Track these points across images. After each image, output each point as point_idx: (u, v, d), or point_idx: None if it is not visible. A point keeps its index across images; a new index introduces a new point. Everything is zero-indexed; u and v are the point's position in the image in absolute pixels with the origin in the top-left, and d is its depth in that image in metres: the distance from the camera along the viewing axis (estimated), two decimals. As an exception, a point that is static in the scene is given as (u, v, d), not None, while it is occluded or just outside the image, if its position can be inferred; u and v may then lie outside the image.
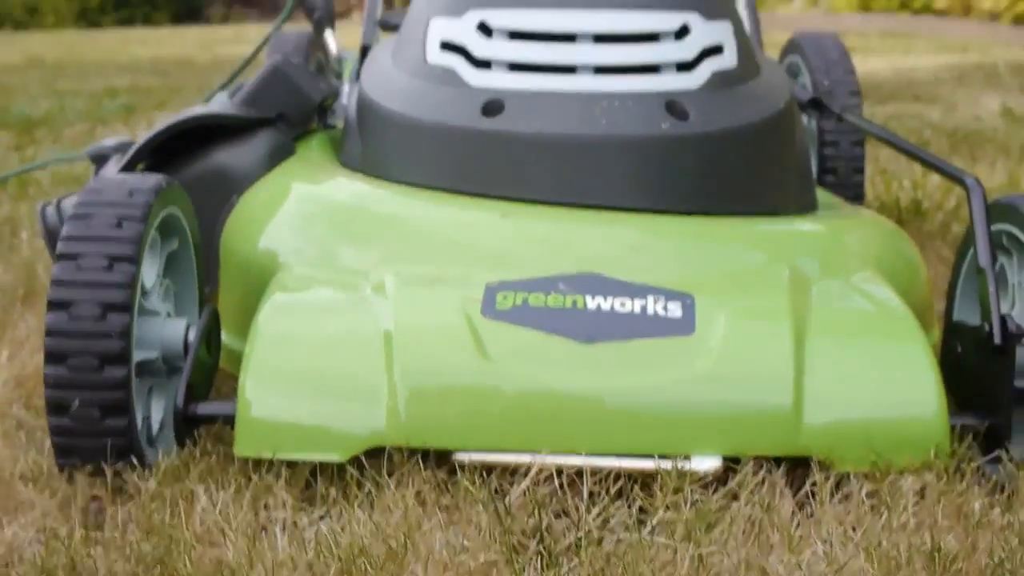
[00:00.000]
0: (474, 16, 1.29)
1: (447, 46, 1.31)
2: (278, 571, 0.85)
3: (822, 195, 1.54)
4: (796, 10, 13.79)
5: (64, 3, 13.34)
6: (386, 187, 1.28)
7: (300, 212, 1.30)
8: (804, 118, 1.86)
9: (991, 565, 0.89)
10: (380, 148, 1.32)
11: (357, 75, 1.71)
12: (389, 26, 1.85)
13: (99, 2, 13.44)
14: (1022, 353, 1.07)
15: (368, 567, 0.85)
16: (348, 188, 1.31)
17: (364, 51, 1.78)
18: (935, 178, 2.39)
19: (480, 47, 1.28)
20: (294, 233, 1.27)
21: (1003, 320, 1.08)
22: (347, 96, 1.66)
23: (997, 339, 1.07)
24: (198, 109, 1.43)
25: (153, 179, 1.14)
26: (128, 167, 1.36)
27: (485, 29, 1.29)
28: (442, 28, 1.31)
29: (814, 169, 1.81)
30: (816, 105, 1.75)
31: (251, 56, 2.62)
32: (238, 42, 9.97)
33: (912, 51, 6.92)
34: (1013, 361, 1.07)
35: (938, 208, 2.18)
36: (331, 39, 1.90)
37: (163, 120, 1.40)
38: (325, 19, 1.85)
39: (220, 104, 1.45)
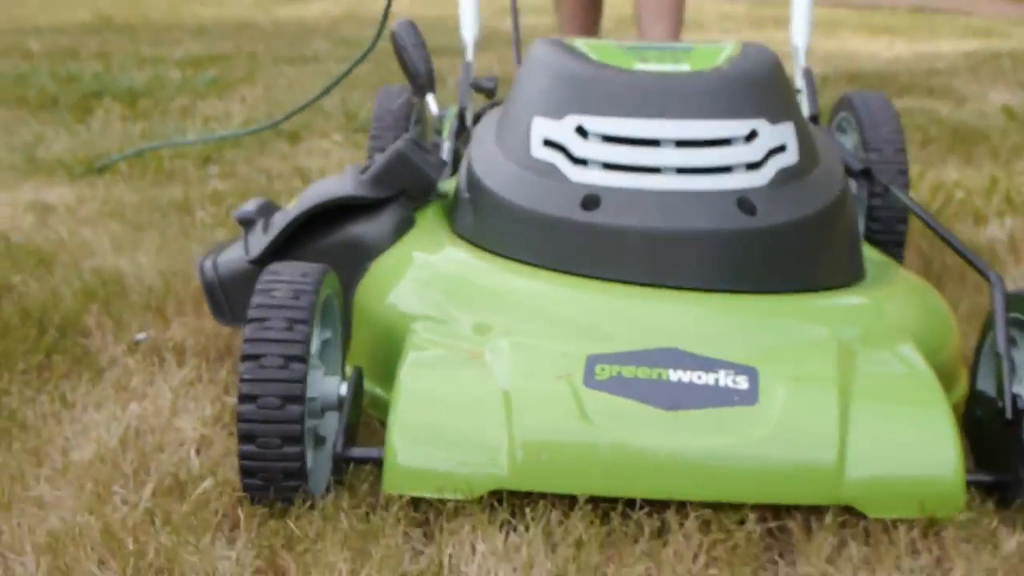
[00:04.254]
0: (572, 120, 1.52)
1: (549, 143, 1.53)
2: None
3: (869, 251, 1.75)
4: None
5: (121, -43, 13.75)
6: (495, 261, 1.52)
7: (422, 278, 1.54)
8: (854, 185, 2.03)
9: None
10: (490, 226, 1.56)
11: (456, 134, 1.97)
12: (481, 88, 2.12)
13: (155, -44, 13.87)
14: None
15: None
16: (463, 260, 1.55)
17: (462, 113, 2.03)
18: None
19: (578, 147, 1.51)
20: (417, 298, 1.51)
21: (1014, 398, 1.33)
22: (447, 152, 1.91)
23: (1008, 414, 1.33)
24: (334, 188, 1.64)
25: (318, 266, 1.39)
26: (278, 239, 1.61)
27: (582, 131, 1.51)
28: (544, 127, 1.53)
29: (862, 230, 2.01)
30: (866, 175, 1.96)
31: (331, 86, 2.62)
32: (291, 1, 10.36)
33: (937, 34, 7.25)
34: (1021, 432, 1.30)
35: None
36: (432, 101, 2.07)
37: (303, 200, 1.64)
38: (427, 84, 2.01)
39: (352, 181, 1.65)
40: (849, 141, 2.18)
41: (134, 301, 1.94)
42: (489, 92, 2.15)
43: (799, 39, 2.20)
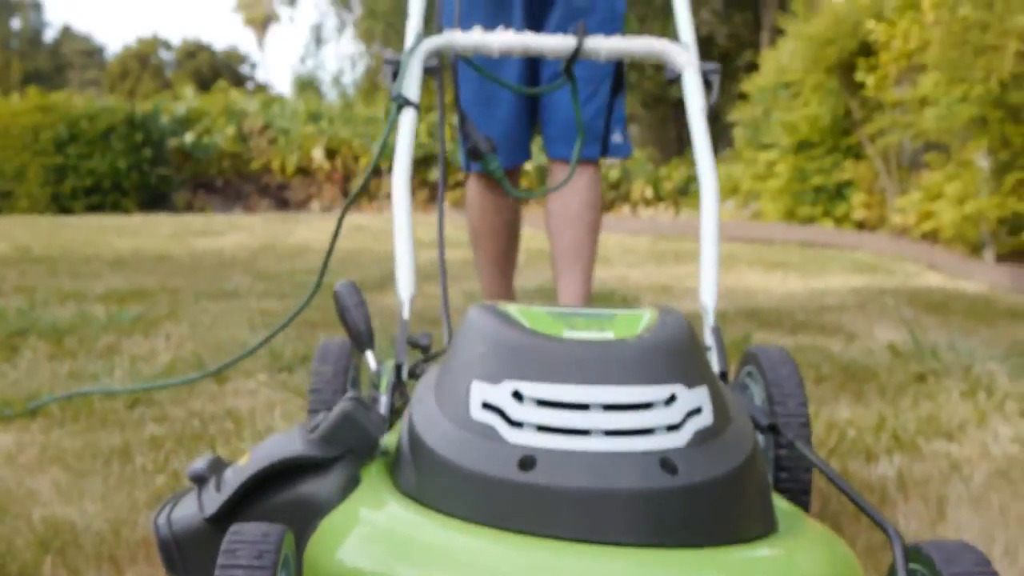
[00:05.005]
0: (508, 385, 1.64)
1: (487, 406, 1.65)
2: None
3: (778, 501, 1.86)
4: (727, 213, 14.79)
5: (38, 188, 13.99)
6: (438, 519, 1.61)
7: (369, 536, 1.62)
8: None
9: None
10: (432, 484, 1.66)
11: (392, 388, 2.10)
12: (417, 344, 2.26)
13: (71, 189, 14.12)
14: None
15: None
16: (407, 518, 1.63)
17: (398, 368, 2.15)
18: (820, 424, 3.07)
19: (514, 411, 1.62)
20: (364, 556, 1.58)
21: None
22: (384, 407, 2.03)
23: None
24: (284, 448, 1.74)
25: (275, 536, 1.45)
26: (231, 499, 1.70)
27: (518, 396, 1.63)
28: (482, 391, 1.65)
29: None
30: (773, 429, 2.12)
31: (270, 336, 2.88)
32: (206, 234, 10.62)
33: (827, 268, 7.70)
34: None
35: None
36: (371, 357, 2.20)
37: (253, 459, 1.73)
38: (366, 342, 2.15)
39: (301, 440, 1.75)
40: (756, 392, 2.35)
41: (87, 551, 2.01)
42: (424, 348, 2.29)
43: (707, 299, 2.37)
